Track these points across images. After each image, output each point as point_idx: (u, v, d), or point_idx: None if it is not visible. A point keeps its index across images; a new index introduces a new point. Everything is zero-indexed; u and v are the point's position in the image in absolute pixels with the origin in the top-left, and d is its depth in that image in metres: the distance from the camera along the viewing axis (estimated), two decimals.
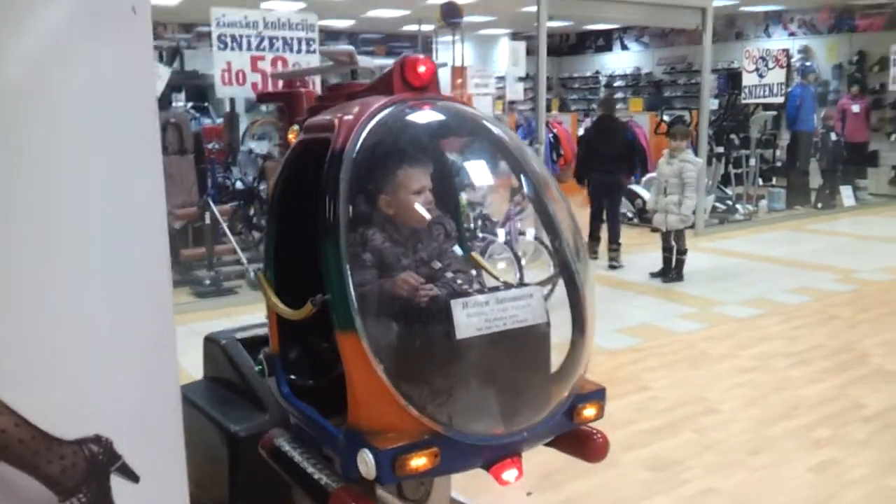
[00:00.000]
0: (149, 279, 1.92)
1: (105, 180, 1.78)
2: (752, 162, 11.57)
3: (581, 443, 2.39)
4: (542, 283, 2.34)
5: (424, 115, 2.44)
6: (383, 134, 2.28)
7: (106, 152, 1.76)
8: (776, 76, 10.76)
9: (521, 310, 2.15)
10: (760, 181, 12.09)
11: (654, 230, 8.04)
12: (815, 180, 12.42)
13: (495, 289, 2.28)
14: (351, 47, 2.48)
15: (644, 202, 10.51)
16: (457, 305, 2.07)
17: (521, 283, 2.53)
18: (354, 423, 2.11)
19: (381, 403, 2.05)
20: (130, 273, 1.88)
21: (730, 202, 11.23)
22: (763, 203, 12.00)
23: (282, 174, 2.59)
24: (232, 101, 8.39)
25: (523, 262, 5.81)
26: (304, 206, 2.33)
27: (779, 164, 13.00)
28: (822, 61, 14.47)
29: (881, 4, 13.87)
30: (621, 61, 18.99)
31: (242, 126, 9.83)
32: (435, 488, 2.45)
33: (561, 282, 2.40)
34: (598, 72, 19.17)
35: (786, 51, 11.48)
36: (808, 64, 13.26)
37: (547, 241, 2.57)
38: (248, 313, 5.94)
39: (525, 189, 2.55)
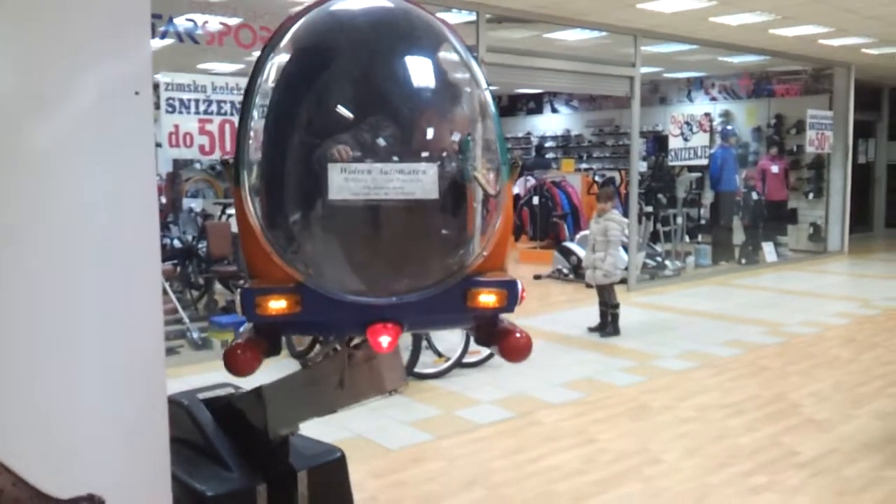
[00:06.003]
0: (143, 346, 2.01)
1: (104, 258, 1.92)
2: (680, 220, 12.06)
3: (501, 339, 2.38)
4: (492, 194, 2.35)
5: (365, 14, 2.41)
6: (320, 25, 2.32)
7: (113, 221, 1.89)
8: (700, 140, 11.27)
9: (409, 184, 2.16)
10: (687, 238, 12.59)
11: (588, 286, 8.30)
12: (739, 237, 13.01)
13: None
14: None
15: (579, 259, 10.85)
16: (334, 168, 2.12)
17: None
18: (247, 274, 2.23)
19: (257, 251, 2.16)
20: (125, 340, 1.97)
21: (659, 258, 11.63)
22: (690, 259, 12.45)
23: None
24: (175, 161, 8.41)
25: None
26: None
27: (704, 222, 13.56)
28: (742, 124, 15.17)
29: (797, 72, 14.74)
30: (552, 123, 19.56)
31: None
32: (385, 364, 2.53)
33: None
34: (529, 133, 19.66)
35: (708, 114, 12.05)
36: (729, 127, 13.88)
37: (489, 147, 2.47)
38: (192, 374, 5.89)
39: (471, 100, 2.51)
